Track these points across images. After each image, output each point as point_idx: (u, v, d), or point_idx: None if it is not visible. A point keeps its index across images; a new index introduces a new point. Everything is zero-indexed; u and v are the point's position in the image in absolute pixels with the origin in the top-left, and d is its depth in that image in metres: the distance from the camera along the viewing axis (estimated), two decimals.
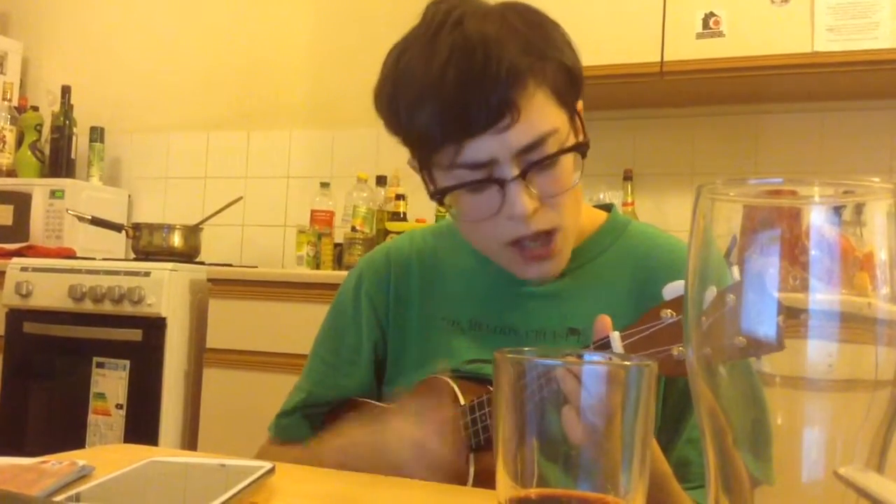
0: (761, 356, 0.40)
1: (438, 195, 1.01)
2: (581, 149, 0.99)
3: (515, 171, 0.95)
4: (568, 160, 0.98)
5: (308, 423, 1.18)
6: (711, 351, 0.41)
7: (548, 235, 0.99)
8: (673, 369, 0.79)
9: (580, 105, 1.05)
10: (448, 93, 0.93)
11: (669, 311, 0.81)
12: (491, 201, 0.97)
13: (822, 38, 2.26)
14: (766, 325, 0.39)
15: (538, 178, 0.96)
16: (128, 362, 2.60)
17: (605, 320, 0.86)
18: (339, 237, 2.93)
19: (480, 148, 0.94)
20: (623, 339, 0.85)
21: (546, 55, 0.95)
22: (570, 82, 0.99)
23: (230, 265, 3.08)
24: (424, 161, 1.01)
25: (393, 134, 1.02)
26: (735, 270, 0.40)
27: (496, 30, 0.93)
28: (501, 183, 0.95)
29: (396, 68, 0.99)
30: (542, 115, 0.95)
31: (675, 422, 1.01)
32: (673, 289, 0.82)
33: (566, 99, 0.98)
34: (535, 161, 0.95)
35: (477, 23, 0.94)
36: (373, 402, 1.15)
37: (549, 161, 0.96)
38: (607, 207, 1.17)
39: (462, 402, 1.00)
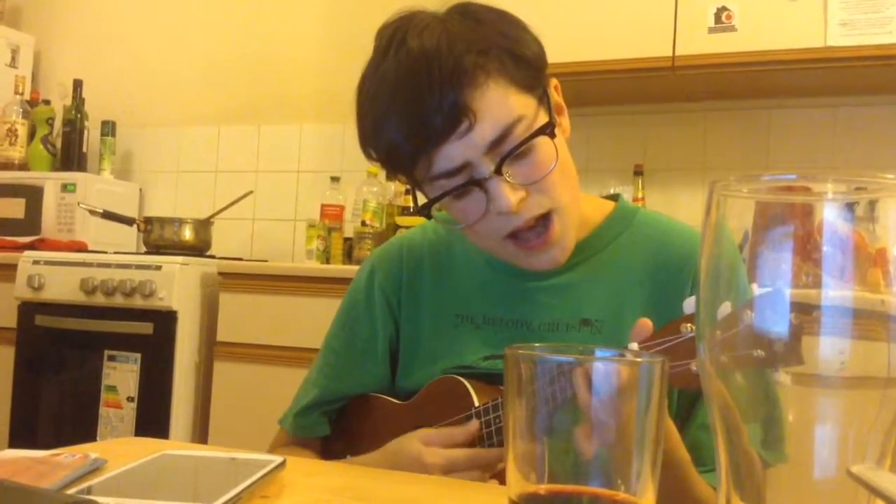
0: (780, 369, 0.40)
1: (424, 210, 1.02)
2: (546, 130, 0.97)
3: (491, 168, 0.95)
4: (543, 142, 0.97)
5: (325, 419, 1.18)
6: (728, 360, 0.41)
7: (545, 221, 0.99)
8: (690, 383, 0.78)
9: (555, 83, 1.04)
10: (402, 111, 0.95)
11: (689, 325, 0.81)
12: (477, 202, 0.98)
13: (835, 33, 2.25)
14: (786, 340, 0.39)
15: (515, 168, 0.96)
16: (139, 355, 2.61)
17: (646, 325, 0.85)
18: (348, 231, 2.94)
19: (450, 155, 0.95)
20: (642, 351, 0.84)
21: (488, 49, 0.95)
22: (525, 67, 0.98)
23: (240, 259, 3.09)
24: (407, 179, 1.04)
25: (372, 161, 1.05)
26: (754, 287, 0.40)
27: (435, 40, 0.94)
28: (481, 183, 0.96)
29: (360, 97, 1.03)
30: (501, 107, 0.95)
31: (688, 407, 1.01)
32: (693, 303, 0.82)
33: (526, 84, 0.98)
34: (506, 153, 0.95)
35: (417, 38, 0.96)
36: (386, 397, 1.15)
37: (522, 149, 0.96)
38: (615, 198, 1.17)
39: (476, 403, 1.00)
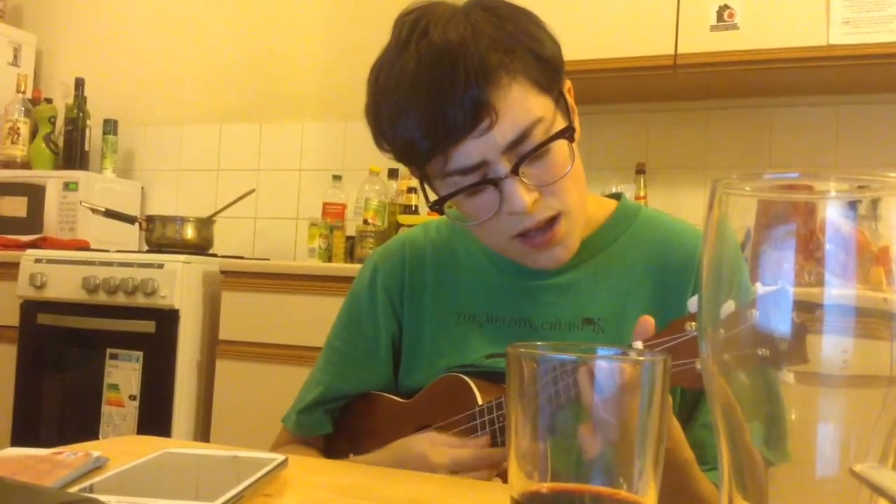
0: (784, 367, 0.39)
1: (437, 205, 1.02)
2: (566, 134, 0.98)
3: (507, 168, 0.95)
4: (560, 145, 0.98)
5: (328, 417, 1.18)
6: (731, 358, 0.41)
7: (551, 220, 0.99)
8: (694, 382, 0.78)
9: (568, 86, 1.04)
10: (423, 105, 0.94)
11: (693, 323, 0.80)
12: (490, 201, 0.97)
13: (838, 31, 2.24)
14: (790, 339, 0.39)
15: (531, 169, 0.96)
16: (141, 354, 2.61)
17: (648, 322, 0.84)
18: (350, 230, 2.94)
19: (468, 152, 0.95)
20: (646, 350, 0.84)
21: (514, 48, 0.95)
22: (546, 69, 0.98)
23: (242, 257, 3.09)
24: (419, 173, 1.03)
25: (384, 152, 1.04)
26: (758, 286, 0.40)
27: (460, 34, 0.93)
28: (496, 182, 0.96)
29: (375, 87, 1.01)
30: (522, 108, 0.94)
31: (690, 407, 1.01)
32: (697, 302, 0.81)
33: (546, 85, 0.98)
34: (525, 154, 0.95)
35: (441, 30, 0.94)
36: (389, 395, 1.15)
37: (540, 151, 0.96)
38: (617, 196, 1.17)
39: (480, 402, 1.00)
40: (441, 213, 1.04)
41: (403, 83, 0.95)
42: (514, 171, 0.95)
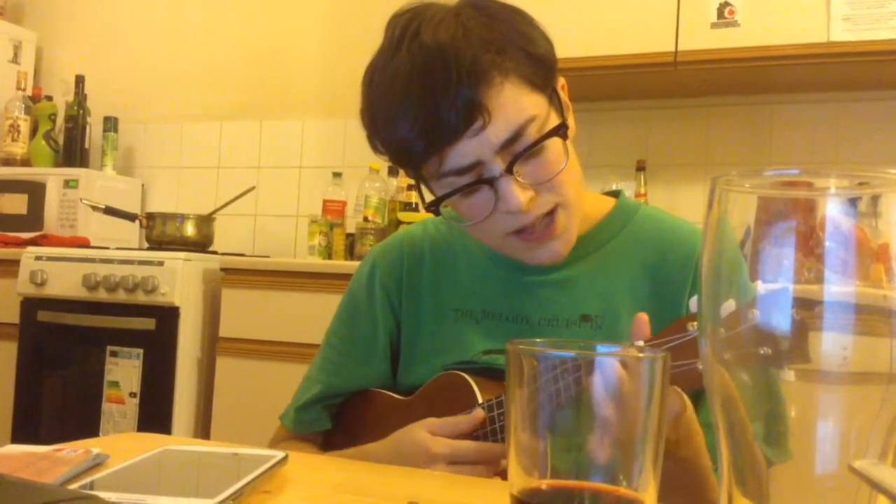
0: (786, 366, 0.39)
1: (433, 206, 1.02)
2: (560, 131, 0.98)
3: (502, 167, 0.95)
4: (554, 143, 0.98)
5: (326, 413, 1.18)
6: (732, 357, 0.41)
7: (550, 214, 0.99)
8: (696, 382, 0.78)
9: (562, 83, 1.04)
10: (416, 107, 0.94)
11: (695, 323, 0.80)
12: (485, 201, 0.98)
13: (838, 28, 2.24)
14: (792, 338, 0.39)
15: (526, 167, 0.96)
16: (141, 351, 2.61)
17: (643, 320, 0.84)
18: (350, 227, 2.94)
19: (462, 153, 0.95)
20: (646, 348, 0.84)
21: (506, 48, 0.95)
22: (539, 67, 0.98)
23: (243, 255, 3.09)
24: (415, 175, 1.03)
25: (379, 154, 1.04)
26: (758, 283, 0.40)
27: (451, 35, 0.94)
28: (491, 182, 0.96)
29: (369, 90, 1.01)
30: (515, 107, 0.95)
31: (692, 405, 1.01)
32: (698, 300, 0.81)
33: (539, 83, 0.98)
34: (518, 153, 0.95)
35: (432, 31, 0.95)
36: (388, 392, 1.15)
37: (534, 149, 0.96)
38: (615, 194, 1.17)
39: (480, 399, 1.00)
40: (437, 213, 1.04)
41: (396, 85, 0.96)
42: (509, 170, 0.95)
